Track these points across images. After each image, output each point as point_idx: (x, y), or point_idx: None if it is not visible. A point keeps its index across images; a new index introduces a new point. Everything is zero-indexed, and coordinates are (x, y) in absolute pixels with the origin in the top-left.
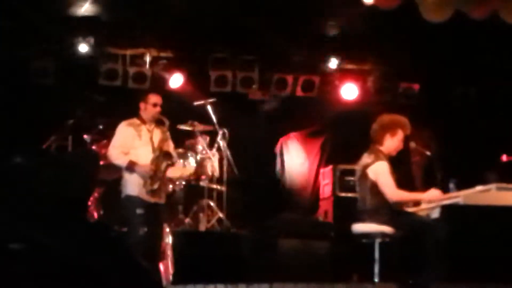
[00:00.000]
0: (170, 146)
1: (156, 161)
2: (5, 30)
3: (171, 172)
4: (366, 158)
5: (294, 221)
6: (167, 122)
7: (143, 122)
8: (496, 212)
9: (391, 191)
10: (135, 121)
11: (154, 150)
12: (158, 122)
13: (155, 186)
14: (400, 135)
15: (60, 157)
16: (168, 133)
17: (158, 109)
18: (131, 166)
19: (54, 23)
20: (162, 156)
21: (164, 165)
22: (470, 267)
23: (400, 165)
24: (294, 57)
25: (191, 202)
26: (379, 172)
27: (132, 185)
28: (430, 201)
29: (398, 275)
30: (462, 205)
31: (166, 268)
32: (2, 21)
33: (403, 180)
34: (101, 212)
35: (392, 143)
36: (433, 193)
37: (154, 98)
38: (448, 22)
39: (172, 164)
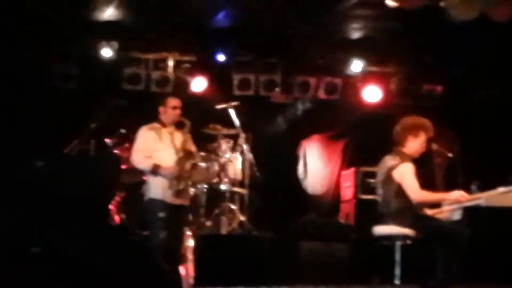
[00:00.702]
0: (192, 147)
1: (180, 162)
2: (29, 33)
3: (194, 175)
4: (390, 160)
5: (316, 223)
6: (188, 124)
7: (164, 125)
8: None
9: (415, 192)
10: (156, 125)
11: (176, 152)
12: (179, 125)
13: (181, 186)
14: (422, 137)
15: (82, 161)
16: (189, 135)
17: (177, 111)
18: (156, 169)
19: (77, 27)
20: (186, 156)
21: (188, 165)
22: (491, 268)
23: (422, 167)
24: (317, 60)
25: (213, 205)
26: (404, 173)
27: (156, 188)
28: (455, 201)
29: (419, 277)
30: (484, 206)
31: (187, 271)
32: (26, 25)
33: (425, 182)
34: (123, 216)
35: (414, 145)
36: (457, 193)
37: (172, 101)
38: (472, 23)
39: (196, 164)
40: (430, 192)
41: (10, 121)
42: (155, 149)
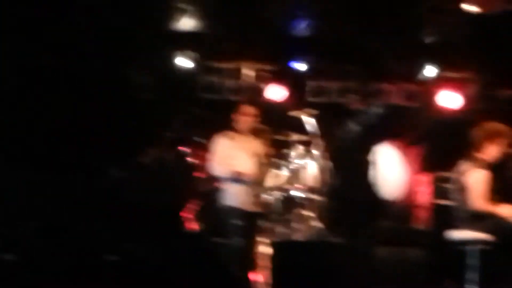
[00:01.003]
0: (268, 154)
1: (256, 169)
2: (106, 44)
3: (268, 182)
4: (465, 166)
5: (390, 229)
6: (263, 131)
7: (239, 133)
8: None
9: (475, 200)
10: (231, 132)
11: (252, 158)
12: (254, 132)
13: (258, 193)
14: (501, 143)
15: (157, 170)
16: (265, 142)
17: (251, 119)
18: (235, 176)
19: (154, 37)
20: (262, 164)
21: (264, 172)
22: None
23: (497, 171)
24: (393, 66)
25: (287, 211)
26: (473, 180)
27: (232, 195)
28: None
29: (495, 282)
30: None
31: (262, 278)
32: (104, 35)
33: (501, 187)
34: (200, 223)
35: (492, 151)
36: (507, 210)
37: (246, 109)
38: None
39: (271, 172)
40: (487, 204)
41: (87, 130)
42: (231, 156)
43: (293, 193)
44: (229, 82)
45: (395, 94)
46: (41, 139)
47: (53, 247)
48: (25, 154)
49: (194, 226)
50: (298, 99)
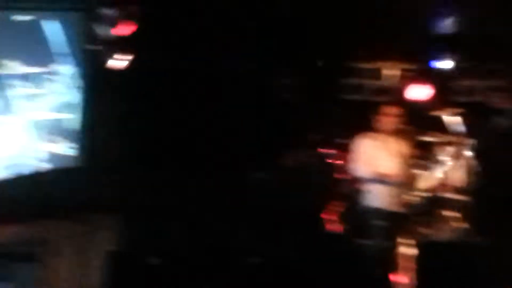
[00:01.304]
0: (413, 156)
1: (402, 170)
2: (252, 48)
3: (416, 184)
4: None
5: None
6: (407, 131)
7: (382, 133)
8: None
9: None
10: (374, 133)
11: (397, 160)
12: (398, 132)
13: (403, 195)
14: None
15: (300, 172)
16: (410, 143)
17: (394, 119)
18: (380, 177)
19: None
20: (407, 165)
21: (408, 173)
22: None
23: None
24: None
25: (431, 212)
26: None
27: (376, 196)
28: None
29: None
30: None
31: (407, 279)
32: (249, 40)
33: None
34: (344, 225)
35: None
36: None
37: (389, 109)
38: None
39: (419, 174)
40: None
41: (231, 133)
42: (375, 157)
43: (438, 193)
44: (371, 83)
45: None
46: (184, 142)
47: (197, 250)
48: (169, 157)
49: (337, 227)
50: (443, 99)
